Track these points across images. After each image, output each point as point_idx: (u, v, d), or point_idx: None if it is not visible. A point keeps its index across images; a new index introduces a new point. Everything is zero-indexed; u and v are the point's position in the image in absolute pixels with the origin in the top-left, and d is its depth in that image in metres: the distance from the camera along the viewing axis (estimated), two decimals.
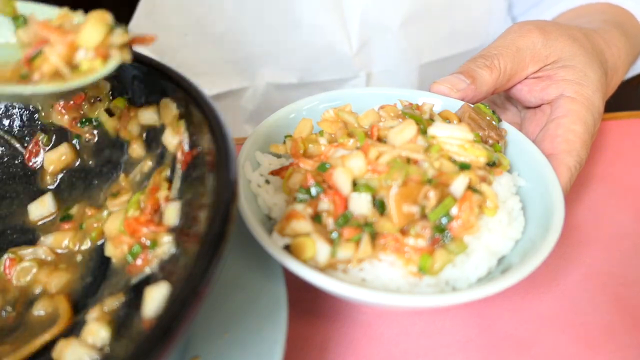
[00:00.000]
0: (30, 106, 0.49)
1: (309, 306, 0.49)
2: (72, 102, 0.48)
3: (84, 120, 0.48)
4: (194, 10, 0.74)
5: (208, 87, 0.79)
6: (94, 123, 0.48)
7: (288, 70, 0.81)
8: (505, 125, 0.53)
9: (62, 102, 0.48)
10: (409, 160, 0.45)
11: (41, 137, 0.49)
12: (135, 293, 0.39)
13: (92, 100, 0.48)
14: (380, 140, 0.48)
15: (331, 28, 0.77)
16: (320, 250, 0.41)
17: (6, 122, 0.50)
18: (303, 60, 0.79)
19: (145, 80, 0.44)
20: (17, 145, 0.50)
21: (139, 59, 0.44)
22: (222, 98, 0.81)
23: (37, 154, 0.49)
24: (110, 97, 0.47)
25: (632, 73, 0.75)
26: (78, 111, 0.48)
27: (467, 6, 0.83)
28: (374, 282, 0.42)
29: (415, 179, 0.43)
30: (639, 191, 0.61)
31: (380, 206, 0.43)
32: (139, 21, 0.74)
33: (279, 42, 0.78)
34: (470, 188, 0.44)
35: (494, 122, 0.52)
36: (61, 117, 0.48)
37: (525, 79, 0.57)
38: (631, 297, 0.50)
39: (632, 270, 0.53)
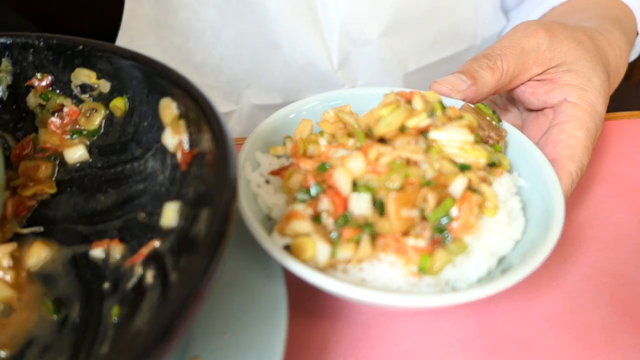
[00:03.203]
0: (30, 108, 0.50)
1: (309, 306, 0.49)
2: (67, 119, 0.48)
3: (72, 133, 0.48)
4: (172, 41, 0.74)
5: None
6: (84, 133, 0.48)
7: (271, 91, 0.80)
8: (505, 125, 0.53)
9: (57, 122, 0.48)
10: (408, 162, 0.45)
11: (35, 138, 0.49)
12: (135, 293, 0.39)
13: (89, 114, 0.48)
14: (381, 141, 0.48)
15: (310, 45, 0.76)
16: (320, 250, 0.41)
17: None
18: (285, 79, 0.79)
19: (145, 80, 0.44)
20: (14, 145, 0.50)
21: (139, 59, 0.44)
22: None
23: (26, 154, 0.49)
24: (106, 107, 0.47)
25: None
26: (74, 126, 0.49)
27: (451, 9, 0.82)
28: (373, 282, 0.42)
29: (414, 181, 0.43)
30: (639, 191, 0.61)
31: (380, 207, 0.43)
32: None
33: (259, 64, 0.77)
34: (470, 188, 0.44)
35: (494, 122, 0.52)
36: (56, 138, 0.48)
37: (529, 80, 0.56)
38: (631, 297, 0.50)
39: (632, 270, 0.53)
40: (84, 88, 0.48)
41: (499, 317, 0.48)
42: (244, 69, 0.78)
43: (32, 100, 0.49)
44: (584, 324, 0.48)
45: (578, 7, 0.70)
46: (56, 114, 0.49)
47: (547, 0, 0.73)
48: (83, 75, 0.47)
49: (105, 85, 0.47)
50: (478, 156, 0.46)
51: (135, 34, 0.73)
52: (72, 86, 0.48)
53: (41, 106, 0.49)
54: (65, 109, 0.48)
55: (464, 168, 0.45)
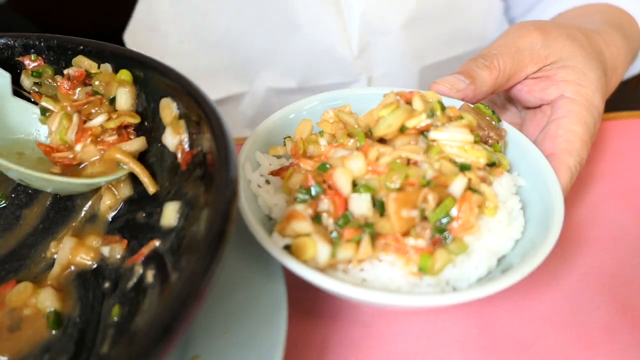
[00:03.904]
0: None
1: (309, 306, 0.49)
2: (76, 81, 0.47)
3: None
4: (191, 17, 0.74)
5: (207, 93, 0.79)
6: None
7: (288, 75, 0.80)
8: (504, 125, 0.53)
9: (67, 84, 0.47)
10: (408, 162, 0.45)
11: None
12: (135, 292, 0.39)
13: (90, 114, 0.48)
14: (380, 141, 0.48)
15: (331, 32, 0.76)
16: (321, 250, 0.41)
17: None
18: (303, 64, 0.79)
19: (146, 80, 0.44)
20: None
21: (139, 59, 0.44)
22: (221, 104, 0.81)
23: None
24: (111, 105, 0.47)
25: (628, 74, 0.75)
26: (84, 85, 0.48)
27: (466, 8, 0.83)
28: (374, 282, 0.42)
29: (414, 182, 0.43)
30: (639, 191, 0.61)
31: (380, 207, 0.43)
32: (135, 29, 0.74)
33: (278, 47, 0.77)
34: (470, 188, 0.44)
35: (493, 122, 0.52)
36: (69, 100, 0.47)
37: (525, 79, 0.57)
38: (631, 297, 0.50)
39: (632, 270, 0.53)
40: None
41: (499, 317, 0.48)
42: (261, 49, 0.77)
43: (25, 82, 0.48)
44: (584, 324, 0.48)
45: (582, 13, 0.71)
46: (63, 77, 0.48)
47: (552, 7, 0.74)
48: (84, 65, 0.47)
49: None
50: (478, 156, 0.46)
51: (154, 5, 0.72)
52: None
53: (37, 84, 0.48)
54: (71, 70, 0.47)
55: (464, 168, 0.45)
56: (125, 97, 0.45)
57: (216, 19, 0.74)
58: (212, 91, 0.79)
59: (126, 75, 0.45)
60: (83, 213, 0.46)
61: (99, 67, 0.47)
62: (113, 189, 0.45)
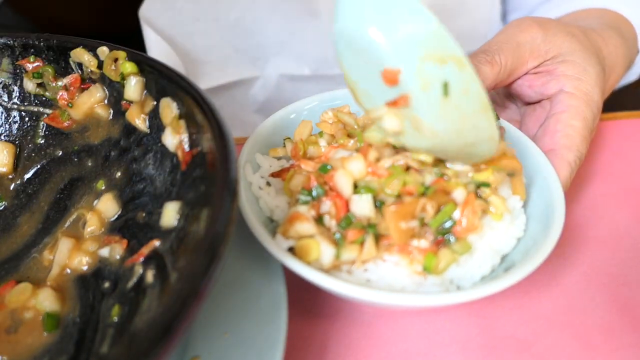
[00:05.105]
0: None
1: (309, 306, 0.49)
2: (72, 89, 0.47)
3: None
4: None
5: (218, 76, 0.78)
6: None
7: (301, 62, 0.79)
8: (503, 123, 0.53)
9: (66, 95, 0.47)
10: (408, 168, 0.45)
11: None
12: (135, 292, 0.39)
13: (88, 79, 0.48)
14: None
15: None
16: (325, 252, 0.41)
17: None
18: (317, 52, 0.78)
19: (145, 80, 0.44)
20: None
21: (139, 59, 0.44)
22: (232, 87, 0.80)
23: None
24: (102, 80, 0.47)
25: (626, 81, 0.75)
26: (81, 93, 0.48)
27: (473, 8, 0.83)
28: (378, 282, 0.42)
29: (412, 190, 0.43)
30: (639, 191, 0.61)
31: (382, 207, 0.43)
32: (150, 6, 0.73)
33: (293, 32, 0.76)
34: (475, 193, 0.44)
35: None
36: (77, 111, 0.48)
37: (526, 74, 0.57)
38: (631, 297, 0.50)
39: (632, 270, 0.53)
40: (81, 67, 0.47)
41: (499, 317, 0.48)
42: (277, 35, 0.77)
43: (29, 85, 0.48)
44: (584, 323, 0.48)
45: (580, 17, 0.71)
46: (61, 85, 0.48)
47: (550, 12, 0.74)
48: (83, 59, 0.47)
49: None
50: (496, 178, 0.45)
51: None
52: (70, 61, 0.48)
53: (40, 86, 0.48)
54: (67, 79, 0.47)
55: (483, 185, 0.45)
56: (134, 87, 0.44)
57: (234, 0, 0.74)
58: (223, 74, 0.78)
59: (132, 66, 0.44)
60: (68, 223, 0.46)
61: (98, 65, 0.46)
62: (99, 211, 0.45)
